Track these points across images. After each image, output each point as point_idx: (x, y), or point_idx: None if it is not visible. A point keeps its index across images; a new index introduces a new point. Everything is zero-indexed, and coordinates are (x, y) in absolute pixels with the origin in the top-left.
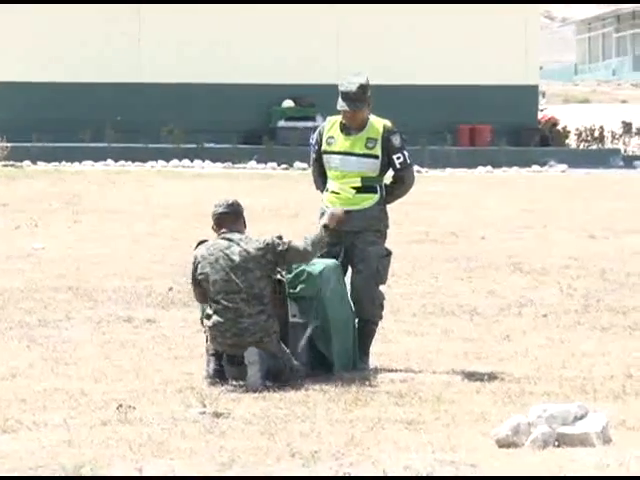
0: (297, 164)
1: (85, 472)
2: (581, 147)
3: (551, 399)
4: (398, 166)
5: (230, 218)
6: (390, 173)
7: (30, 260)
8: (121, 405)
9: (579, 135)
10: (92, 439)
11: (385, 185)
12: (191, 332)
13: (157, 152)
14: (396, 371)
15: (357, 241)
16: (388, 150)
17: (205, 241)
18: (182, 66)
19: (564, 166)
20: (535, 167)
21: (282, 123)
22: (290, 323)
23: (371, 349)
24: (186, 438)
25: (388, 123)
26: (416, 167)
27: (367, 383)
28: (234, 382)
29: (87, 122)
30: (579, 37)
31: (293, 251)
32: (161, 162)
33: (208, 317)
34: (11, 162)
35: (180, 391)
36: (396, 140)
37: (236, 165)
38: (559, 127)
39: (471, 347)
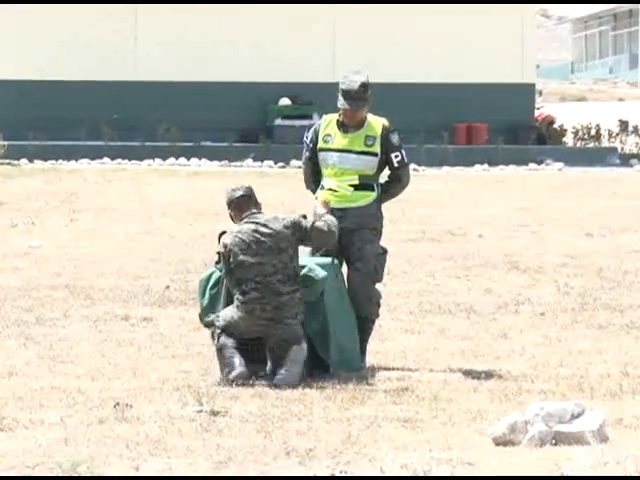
0: (294, 162)
1: (82, 470)
2: (578, 145)
3: (548, 397)
4: (396, 164)
5: (250, 201)
6: (385, 172)
7: (27, 258)
8: (118, 403)
9: (576, 133)
10: (89, 437)
11: (380, 184)
12: (188, 330)
13: (154, 150)
14: (393, 369)
15: (354, 239)
16: (387, 148)
17: (226, 232)
18: (179, 64)
19: (561, 164)
20: (532, 165)
21: (279, 121)
22: None
23: (368, 347)
24: (183, 436)
25: (386, 122)
26: (413, 165)
27: (364, 381)
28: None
29: (84, 120)
30: (575, 35)
31: (317, 230)
32: (158, 160)
33: (243, 294)
34: (8, 160)
35: (177, 389)
36: (395, 138)
37: (233, 163)
38: (556, 125)
39: (468, 345)
